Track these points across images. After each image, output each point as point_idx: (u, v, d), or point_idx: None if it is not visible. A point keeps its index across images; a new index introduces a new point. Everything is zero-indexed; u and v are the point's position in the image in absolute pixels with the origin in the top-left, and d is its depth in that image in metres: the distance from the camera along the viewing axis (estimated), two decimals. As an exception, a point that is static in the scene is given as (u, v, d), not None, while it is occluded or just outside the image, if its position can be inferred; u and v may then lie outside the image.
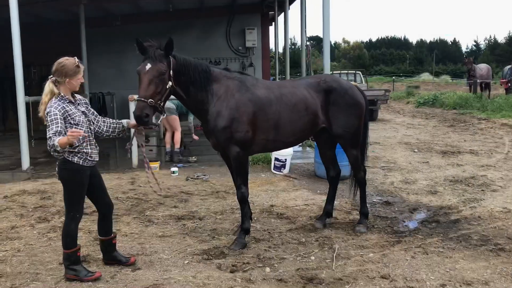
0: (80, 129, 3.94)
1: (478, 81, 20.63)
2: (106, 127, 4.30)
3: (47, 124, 3.86)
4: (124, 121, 4.43)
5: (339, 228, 5.65)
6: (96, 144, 4.20)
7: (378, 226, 5.69)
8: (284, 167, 8.12)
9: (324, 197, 6.99)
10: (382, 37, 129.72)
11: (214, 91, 4.79)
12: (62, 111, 3.90)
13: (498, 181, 7.71)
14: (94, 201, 4.34)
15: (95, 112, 4.31)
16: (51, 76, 4.00)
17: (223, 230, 5.55)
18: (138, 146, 4.70)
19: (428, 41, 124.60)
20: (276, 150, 5.37)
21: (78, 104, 4.11)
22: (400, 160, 9.71)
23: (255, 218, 5.93)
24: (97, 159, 4.21)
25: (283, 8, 15.92)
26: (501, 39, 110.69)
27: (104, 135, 4.33)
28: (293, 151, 8.53)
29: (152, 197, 6.81)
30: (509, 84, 19.51)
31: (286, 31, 13.16)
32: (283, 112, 5.03)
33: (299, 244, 5.11)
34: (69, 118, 3.95)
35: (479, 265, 4.52)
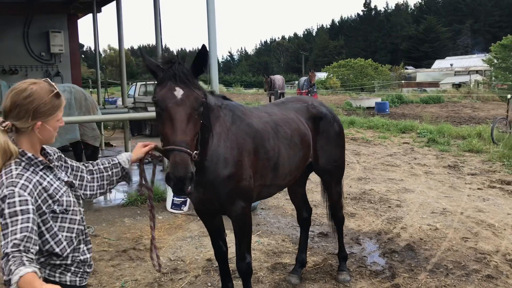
0: (71, 218, 2.09)
1: (279, 91, 21.96)
2: (98, 182, 2.38)
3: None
4: (122, 159, 2.53)
5: (316, 280, 4.75)
6: (88, 236, 2.31)
7: (350, 268, 4.98)
8: (185, 204, 6.66)
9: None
10: (144, 44, 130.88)
11: (212, 125, 3.29)
12: (36, 192, 1.95)
13: (390, 195, 7.89)
14: None
15: (74, 164, 2.33)
16: None
17: (189, 312, 4.01)
18: (139, 190, 2.78)
19: (188, 50, 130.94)
20: (268, 197, 4.13)
21: (56, 167, 2.18)
22: (281, 180, 9.19)
23: (209, 284, 4.55)
24: (93, 265, 2.33)
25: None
26: (250, 51, 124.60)
27: (98, 195, 2.42)
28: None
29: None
30: (309, 94, 21.29)
31: (120, 31, 11.16)
32: (282, 147, 3.82)
33: (305, 313, 4.01)
34: (49, 201, 2.02)
35: (498, 301, 4.25)
